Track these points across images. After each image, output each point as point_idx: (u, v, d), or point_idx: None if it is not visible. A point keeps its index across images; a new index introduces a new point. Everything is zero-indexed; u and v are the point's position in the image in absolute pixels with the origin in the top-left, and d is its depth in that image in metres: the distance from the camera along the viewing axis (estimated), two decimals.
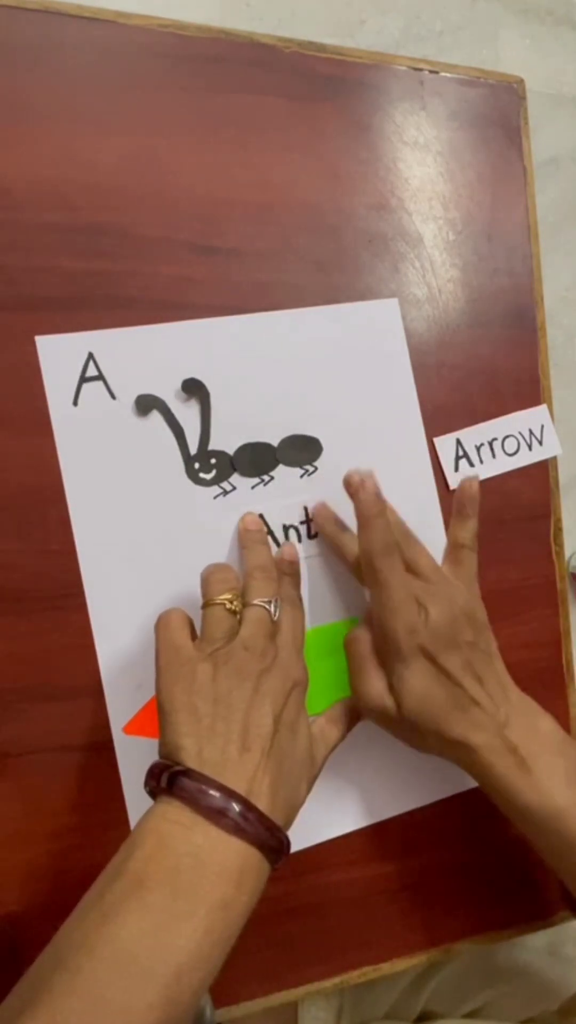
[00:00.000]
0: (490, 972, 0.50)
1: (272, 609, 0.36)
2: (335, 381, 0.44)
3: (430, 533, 0.45)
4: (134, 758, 0.39)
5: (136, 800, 0.39)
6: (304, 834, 0.40)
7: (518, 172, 0.49)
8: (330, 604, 0.43)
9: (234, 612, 0.36)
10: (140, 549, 0.40)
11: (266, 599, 0.36)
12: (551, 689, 0.48)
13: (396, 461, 0.45)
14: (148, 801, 0.32)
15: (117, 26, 0.40)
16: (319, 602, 0.43)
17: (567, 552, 0.50)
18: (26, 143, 0.38)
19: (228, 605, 0.36)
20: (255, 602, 0.36)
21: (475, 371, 0.47)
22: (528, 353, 0.48)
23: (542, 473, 0.48)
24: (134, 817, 0.39)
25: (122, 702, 0.39)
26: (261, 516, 0.42)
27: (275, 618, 0.36)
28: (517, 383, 0.48)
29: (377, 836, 0.44)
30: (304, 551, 0.42)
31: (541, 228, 0.50)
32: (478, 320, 0.47)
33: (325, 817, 0.42)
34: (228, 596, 0.36)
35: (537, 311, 0.49)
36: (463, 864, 0.44)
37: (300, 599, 0.40)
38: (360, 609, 0.43)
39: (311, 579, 0.43)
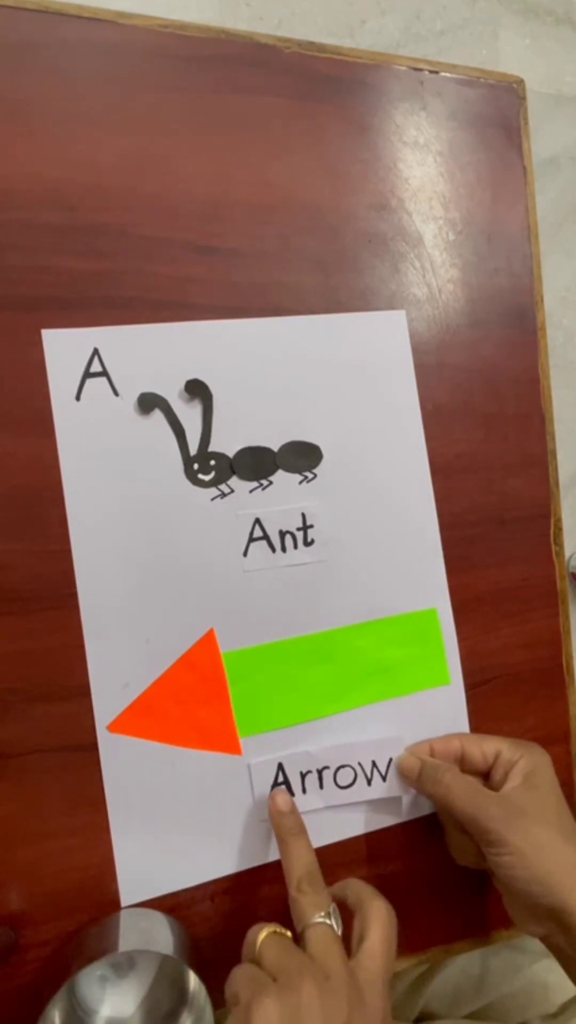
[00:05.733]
0: (488, 974, 0.49)
1: (334, 923, 0.34)
2: (338, 390, 0.44)
3: (425, 549, 0.45)
4: (118, 757, 0.39)
5: (118, 799, 0.39)
6: (310, 836, 0.40)
7: (518, 172, 0.49)
8: (328, 611, 0.43)
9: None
10: (134, 547, 0.39)
11: (323, 912, 0.34)
12: (551, 689, 0.48)
13: (395, 473, 0.45)
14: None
15: (117, 26, 0.40)
16: (317, 609, 0.43)
17: (567, 552, 0.50)
18: (26, 143, 0.38)
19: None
20: (314, 921, 0.33)
21: (475, 371, 0.47)
22: (528, 353, 0.48)
23: (542, 473, 0.48)
24: (115, 817, 0.38)
25: (109, 701, 0.39)
26: (258, 521, 0.42)
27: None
28: (517, 383, 0.48)
29: (377, 838, 0.44)
30: (302, 558, 0.42)
31: (541, 228, 0.50)
32: (478, 320, 0.47)
33: (327, 822, 0.42)
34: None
35: (537, 311, 0.49)
36: (463, 866, 0.44)
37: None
38: (358, 615, 0.43)
39: (309, 586, 0.43)
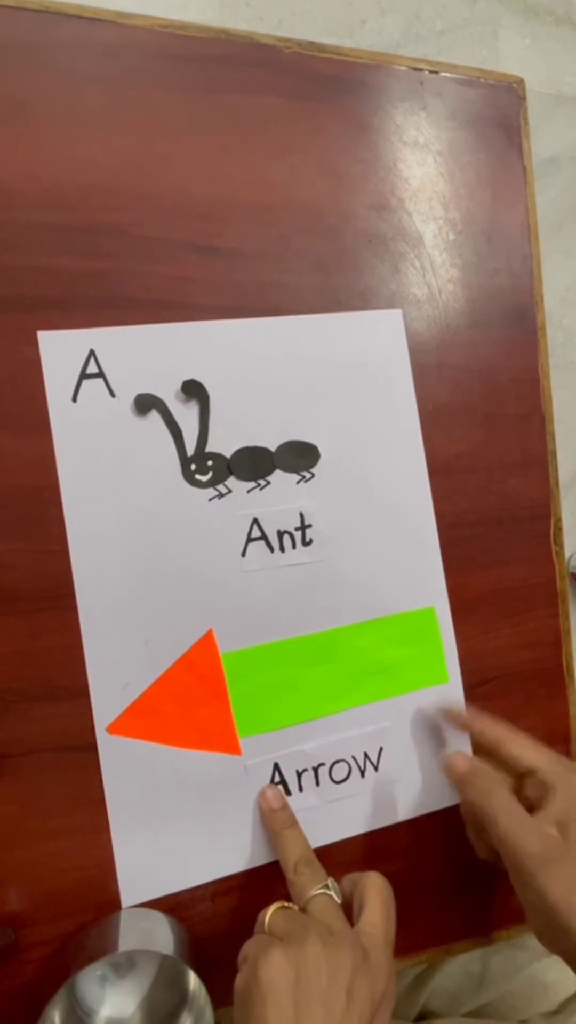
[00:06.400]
0: (489, 972, 0.49)
1: (334, 894, 0.35)
2: (335, 389, 0.44)
3: (423, 548, 0.45)
4: (118, 758, 0.39)
5: (118, 800, 0.39)
6: (308, 836, 0.40)
7: (518, 172, 0.49)
8: (327, 611, 0.43)
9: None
10: (132, 548, 0.39)
11: (321, 885, 0.35)
12: (551, 689, 0.48)
13: (393, 472, 0.45)
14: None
15: (117, 26, 0.40)
16: (316, 609, 0.43)
17: (567, 552, 0.50)
18: (26, 143, 0.38)
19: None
20: (314, 893, 0.35)
21: (475, 371, 0.47)
22: (528, 353, 0.48)
23: (542, 473, 0.48)
24: (115, 817, 0.38)
25: (109, 702, 0.39)
26: (256, 521, 0.42)
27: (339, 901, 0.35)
28: (517, 383, 0.48)
29: (378, 837, 0.44)
30: (300, 558, 0.42)
31: (541, 228, 0.50)
32: (478, 320, 0.47)
33: (326, 820, 0.42)
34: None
35: (537, 311, 0.49)
36: (464, 865, 0.44)
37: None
38: (357, 614, 0.43)
39: (307, 585, 0.43)
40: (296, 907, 0.35)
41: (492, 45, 0.54)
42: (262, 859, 0.41)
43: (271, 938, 0.32)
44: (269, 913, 0.34)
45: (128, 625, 0.39)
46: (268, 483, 0.42)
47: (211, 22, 0.44)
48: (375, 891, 0.35)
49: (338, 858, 0.42)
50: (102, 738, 0.39)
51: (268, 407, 0.42)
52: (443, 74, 0.47)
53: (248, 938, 0.35)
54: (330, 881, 0.36)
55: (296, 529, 0.42)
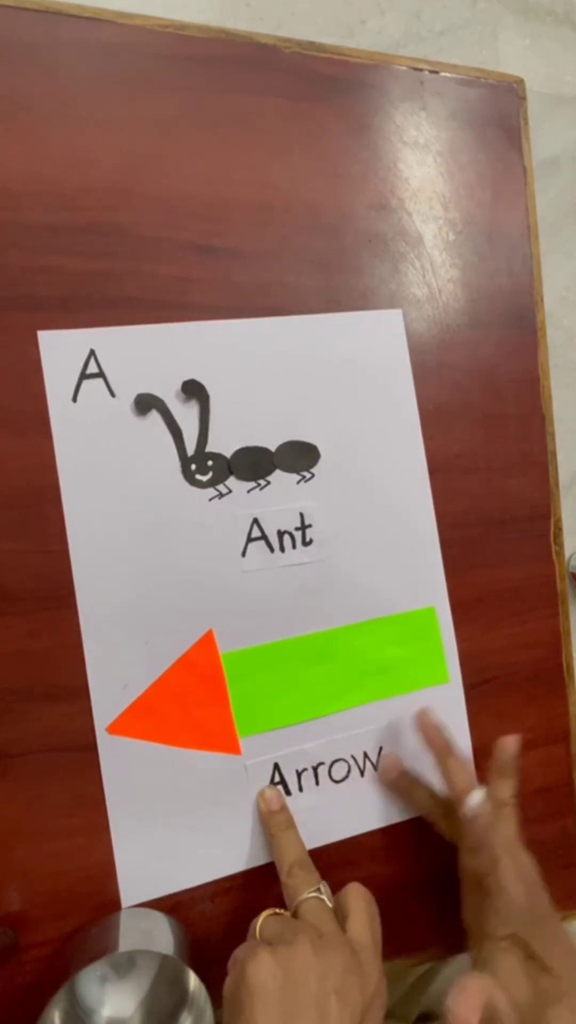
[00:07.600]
0: None
1: (325, 897, 0.35)
2: (336, 389, 0.44)
3: (423, 548, 0.45)
4: (118, 758, 0.39)
5: (118, 800, 0.39)
6: (309, 835, 0.40)
7: (518, 172, 0.49)
8: (327, 611, 0.43)
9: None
10: (132, 548, 0.39)
11: (314, 888, 0.36)
12: (551, 689, 0.48)
13: (393, 472, 0.45)
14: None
15: (117, 26, 0.40)
16: (316, 609, 0.43)
17: (567, 552, 0.50)
18: (26, 143, 0.38)
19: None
20: (306, 896, 0.35)
21: (475, 371, 0.47)
22: (528, 353, 0.48)
23: (542, 473, 0.48)
24: (115, 817, 0.38)
25: (109, 702, 0.39)
26: (256, 521, 0.42)
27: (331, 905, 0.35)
28: (517, 383, 0.48)
29: (379, 837, 0.44)
30: (300, 558, 0.42)
31: (541, 228, 0.50)
32: (478, 320, 0.47)
33: (325, 821, 0.42)
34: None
35: (537, 311, 0.49)
36: None
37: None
38: (357, 614, 0.43)
39: (307, 585, 0.43)
40: (287, 912, 0.35)
41: (492, 45, 0.54)
42: (262, 859, 0.41)
43: (260, 942, 0.33)
44: (260, 920, 0.34)
45: (128, 625, 0.39)
46: (268, 483, 0.42)
47: (211, 22, 0.44)
48: (357, 898, 0.35)
49: (337, 858, 0.42)
50: (102, 738, 0.39)
51: (268, 407, 0.42)
52: (443, 74, 0.47)
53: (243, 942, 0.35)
54: (322, 885, 0.36)
55: (296, 529, 0.42)
